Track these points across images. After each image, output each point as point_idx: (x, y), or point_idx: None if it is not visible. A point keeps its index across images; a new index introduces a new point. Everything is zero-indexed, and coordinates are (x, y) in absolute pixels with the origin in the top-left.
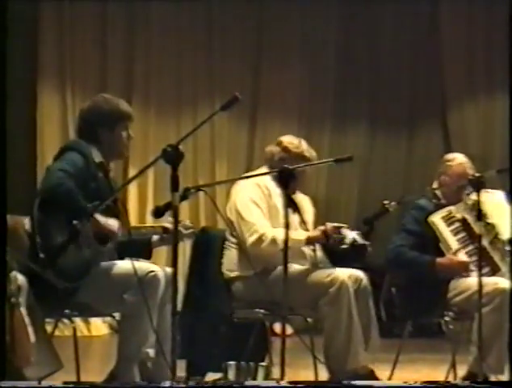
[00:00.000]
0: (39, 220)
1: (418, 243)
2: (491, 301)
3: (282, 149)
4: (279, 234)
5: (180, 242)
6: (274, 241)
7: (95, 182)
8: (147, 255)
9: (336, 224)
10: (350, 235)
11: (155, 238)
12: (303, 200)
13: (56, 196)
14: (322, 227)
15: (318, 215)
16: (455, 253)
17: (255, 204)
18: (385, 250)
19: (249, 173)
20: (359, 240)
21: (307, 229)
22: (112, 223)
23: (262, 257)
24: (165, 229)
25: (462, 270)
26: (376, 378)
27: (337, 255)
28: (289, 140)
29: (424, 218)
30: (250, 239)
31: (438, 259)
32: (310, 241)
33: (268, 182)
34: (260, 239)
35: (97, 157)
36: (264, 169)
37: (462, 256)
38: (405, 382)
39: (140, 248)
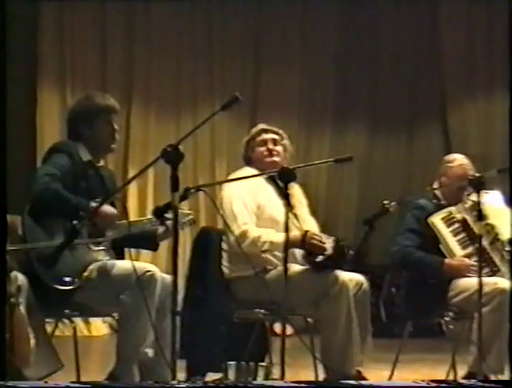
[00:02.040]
0: (29, 226)
1: (421, 243)
2: (490, 302)
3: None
4: (262, 235)
5: (180, 230)
6: (254, 241)
7: (85, 181)
8: (153, 247)
9: (318, 235)
10: (329, 250)
11: (160, 230)
12: (295, 190)
13: (44, 201)
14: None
15: (316, 215)
16: (462, 256)
17: (237, 201)
18: (390, 251)
19: (235, 173)
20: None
21: (299, 222)
22: (110, 210)
23: (238, 257)
24: (161, 220)
25: (468, 272)
26: (364, 378)
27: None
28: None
29: (424, 218)
30: (232, 237)
31: (447, 260)
32: (289, 243)
33: (256, 179)
34: (241, 236)
35: (84, 155)
36: (247, 168)
37: (468, 260)
38: (414, 381)
39: (146, 240)
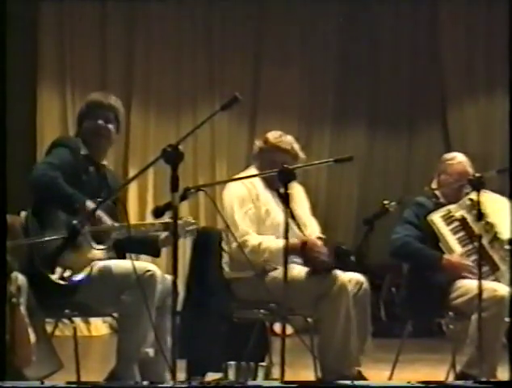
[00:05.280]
0: (32, 221)
1: (420, 237)
2: (488, 308)
3: (263, 141)
4: (262, 242)
5: (182, 238)
6: (254, 250)
7: (86, 176)
8: (155, 253)
9: (317, 246)
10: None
11: (162, 236)
12: (296, 192)
13: (40, 187)
14: (304, 239)
15: (317, 215)
16: (461, 255)
17: (239, 208)
18: (390, 239)
19: (240, 174)
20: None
21: (300, 227)
22: (107, 221)
23: (245, 262)
24: (165, 226)
25: (465, 272)
26: (364, 378)
27: None
28: (273, 133)
29: (424, 215)
30: (233, 245)
31: (446, 256)
32: (289, 251)
33: (256, 182)
34: (241, 246)
35: (84, 150)
36: (252, 168)
37: (467, 260)
38: (409, 382)
39: (148, 246)
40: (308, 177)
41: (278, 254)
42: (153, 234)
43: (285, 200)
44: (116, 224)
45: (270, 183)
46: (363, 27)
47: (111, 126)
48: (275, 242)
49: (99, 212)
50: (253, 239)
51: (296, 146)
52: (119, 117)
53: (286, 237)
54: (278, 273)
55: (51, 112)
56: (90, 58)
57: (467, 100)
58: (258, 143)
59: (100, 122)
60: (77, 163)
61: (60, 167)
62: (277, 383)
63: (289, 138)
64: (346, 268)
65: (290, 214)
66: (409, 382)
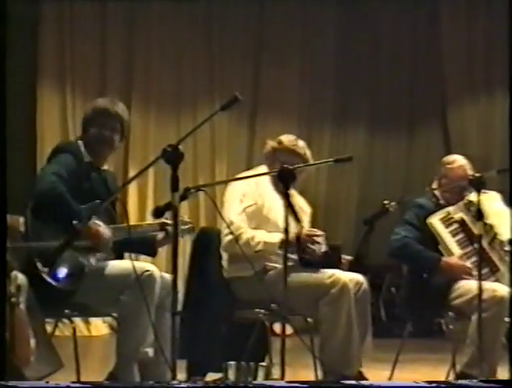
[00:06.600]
0: (31, 223)
1: (420, 239)
2: (488, 309)
3: (277, 142)
4: (256, 235)
5: (179, 238)
6: (248, 242)
7: (89, 182)
8: (152, 253)
9: (312, 232)
10: (323, 248)
11: (159, 236)
12: (299, 198)
13: (48, 200)
14: (297, 231)
15: (317, 215)
16: (460, 258)
17: (238, 204)
18: (390, 240)
19: (249, 171)
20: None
21: (302, 227)
22: (105, 231)
23: (238, 257)
24: (162, 226)
25: (465, 274)
26: (365, 378)
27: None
28: (287, 136)
29: (424, 217)
30: (226, 239)
31: (444, 258)
32: (283, 244)
33: (263, 181)
34: (235, 240)
35: (86, 156)
36: (263, 167)
37: (466, 262)
38: (415, 381)
39: (145, 245)
40: (308, 177)
41: (272, 245)
42: (151, 234)
43: (285, 199)
44: (112, 227)
45: (277, 185)
46: (363, 27)
47: (115, 136)
48: (269, 235)
49: (99, 227)
50: (247, 233)
51: (309, 153)
52: (124, 126)
53: (286, 234)
54: (278, 272)
55: (51, 112)
56: (90, 58)
57: (468, 100)
58: (272, 143)
59: (105, 132)
60: (81, 170)
61: (66, 179)
62: (278, 383)
63: (303, 143)
64: (335, 264)
65: (292, 214)
66: (416, 382)
